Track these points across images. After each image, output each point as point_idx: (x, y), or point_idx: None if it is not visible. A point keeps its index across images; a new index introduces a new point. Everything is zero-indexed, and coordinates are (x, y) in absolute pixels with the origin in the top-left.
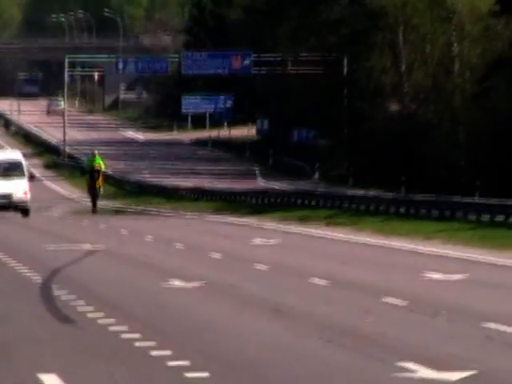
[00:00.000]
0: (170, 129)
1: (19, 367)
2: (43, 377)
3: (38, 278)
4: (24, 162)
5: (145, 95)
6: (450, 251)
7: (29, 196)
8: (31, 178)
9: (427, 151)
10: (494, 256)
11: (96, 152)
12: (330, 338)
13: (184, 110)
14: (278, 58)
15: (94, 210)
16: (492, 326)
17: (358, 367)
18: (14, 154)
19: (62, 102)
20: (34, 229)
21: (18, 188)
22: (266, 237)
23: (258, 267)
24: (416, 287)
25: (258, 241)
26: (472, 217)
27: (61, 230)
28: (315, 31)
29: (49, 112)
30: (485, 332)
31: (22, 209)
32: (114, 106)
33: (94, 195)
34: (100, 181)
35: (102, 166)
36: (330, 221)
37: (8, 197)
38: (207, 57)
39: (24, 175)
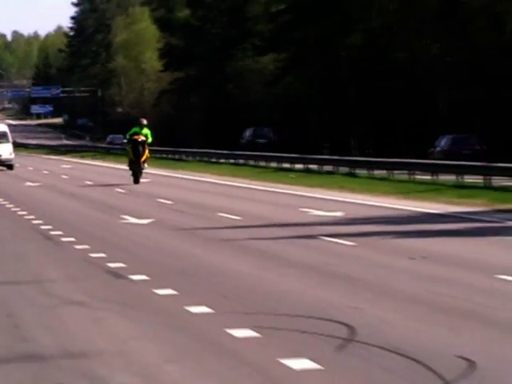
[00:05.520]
0: (26, 119)
1: None
2: None
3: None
4: (8, 132)
5: (16, 106)
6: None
7: (13, 155)
8: (13, 142)
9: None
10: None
11: (145, 121)
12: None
13: (32, 111)
14: (71, 89)
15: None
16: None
17: (100, 217)
18: (1, 126)
19: None
20: None
21: (5, 150)
22: (66, 164)
23: (64, 177)
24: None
25: (63, 166)
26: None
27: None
28: (87, 78)
29: None
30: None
31: (8, 165)
32: (1, 110)
33: (135, 172)
34: (145, 156)
35: (149, 139)
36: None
37: None
38: (42, 89)
39: (9, 141)
